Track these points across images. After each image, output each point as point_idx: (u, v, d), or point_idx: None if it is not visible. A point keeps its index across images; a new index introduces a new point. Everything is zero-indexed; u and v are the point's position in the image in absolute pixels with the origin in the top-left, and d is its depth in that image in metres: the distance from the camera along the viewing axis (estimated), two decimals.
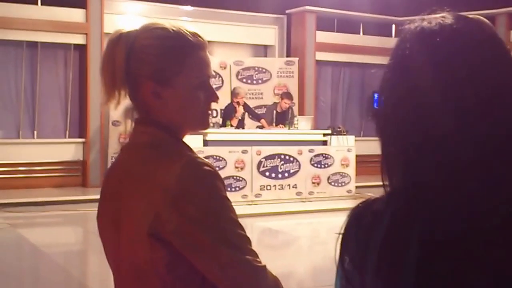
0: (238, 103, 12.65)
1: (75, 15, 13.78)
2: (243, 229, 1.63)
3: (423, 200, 1.16)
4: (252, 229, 9.79)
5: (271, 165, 12.34)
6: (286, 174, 12.48)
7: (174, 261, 1.62)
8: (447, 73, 1.17)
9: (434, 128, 1.16)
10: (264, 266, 1.64)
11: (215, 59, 14.46)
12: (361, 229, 1.24)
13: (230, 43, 15.90)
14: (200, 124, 1.79)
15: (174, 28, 1.75)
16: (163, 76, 1.72)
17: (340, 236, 1.27)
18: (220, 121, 12.94)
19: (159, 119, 1.74)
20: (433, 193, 1.16)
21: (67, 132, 13.98)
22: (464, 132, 1.15)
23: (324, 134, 13.28)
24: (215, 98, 1.78)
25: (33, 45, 13.60)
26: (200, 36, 1.76)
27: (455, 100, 1.15)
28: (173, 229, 1.59)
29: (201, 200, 1.60)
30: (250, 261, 1.60)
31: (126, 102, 1.79)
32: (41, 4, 13.55)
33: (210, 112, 1.83)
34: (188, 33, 1.75)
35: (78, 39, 13.83)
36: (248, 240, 1.63)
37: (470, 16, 1.25)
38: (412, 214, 1.17)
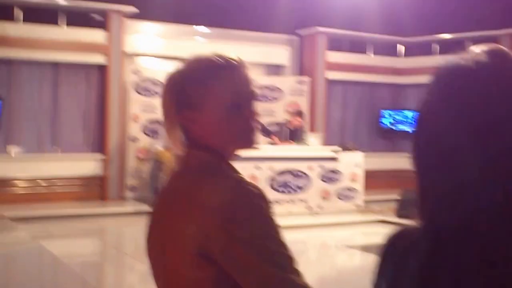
0: None
1: (97, 36, 13.86)
2: (287, 249, 1.61)
3: (453, 233, 1.16)
4: None
5: (283, 180, 12.36)
6: (297, 189, 12.49)
7: (221, 280, 1.62)
8: (482, 110, 1.14)
9: (462, 174, 1.14)
10: (307, 285, 1.60)
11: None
12: (397, 256, 1.24)
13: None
14: (243, 142, 1.78)
15: (203, 56, 1.79)
16: (192, 101, 1.75)
17: (377, 262, 1.28)
18: None
19: (202, 142, 1.75)
20: (459, 226, 1.15)
21: (88, 148, 14.06)
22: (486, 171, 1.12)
23: (334, 151, 13.29)
24: (253, 115, 1.77)
25: (56, 64, 13.67)
26: (232, 59, 1.77)
27: (486, 134, 1.13)
28: (220, 249, 1.59)
29: (248, 221, 1.59)
30: (293, 280, 1.57)
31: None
32: (65, 26, 13.64)
33: (252, 129, 1.78)
34: (215, 57, 1.77)
35: (99, 59, 13.88)
36: (292, 260, 1.60)
37: (502, 51, 1.22)
38: (445, 246, 1.16)
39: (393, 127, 17.08)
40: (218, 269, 1.60)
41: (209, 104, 1.73)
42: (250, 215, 1.59)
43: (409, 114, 16.81)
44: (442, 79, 1.22)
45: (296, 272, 1.59)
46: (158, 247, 1.76)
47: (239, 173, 1.73)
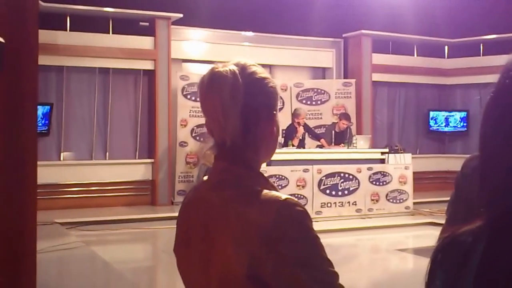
0: (298, 123, 12.62)
1: (144, 42, 13.94)
2: (332, 266, 1.60)
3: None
4: None
5: (331, 183, 12.18)
6: (346, 192, 12.32)
7: None
8: None
9: None
10: None
11: (276, 82, 14.48)
12: (449, 264, 1.17)
13: (290, 66, 15.89)
14: (272, 155, 1.80)
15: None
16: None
17: (427, 271, 1.21)
18: (282, 141, 12.88)
19: (243, 156, 1.70)
20: None
21: (137, 153, 14.11)
22: None
23: (382, 153, 13.08)
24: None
25: (105, 71, 13.76)
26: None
27: None
28: (271, 271, 1.55)
29: (297, 241, 1.56)
30: None
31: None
32: (113, 33, 13.73)
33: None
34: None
35: (147, 65, 13.97)
36: (337, 276, 1.60)
37: None
38: (505, 250, 1.09)
39: (440, 128, 16.88)
40: None
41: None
42: (298, 235, 1.57)
43: (456, 114, 16.61)
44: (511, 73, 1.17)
45: None
46: (198, 263, 1.70)
47: (274, 186, 1.70)
